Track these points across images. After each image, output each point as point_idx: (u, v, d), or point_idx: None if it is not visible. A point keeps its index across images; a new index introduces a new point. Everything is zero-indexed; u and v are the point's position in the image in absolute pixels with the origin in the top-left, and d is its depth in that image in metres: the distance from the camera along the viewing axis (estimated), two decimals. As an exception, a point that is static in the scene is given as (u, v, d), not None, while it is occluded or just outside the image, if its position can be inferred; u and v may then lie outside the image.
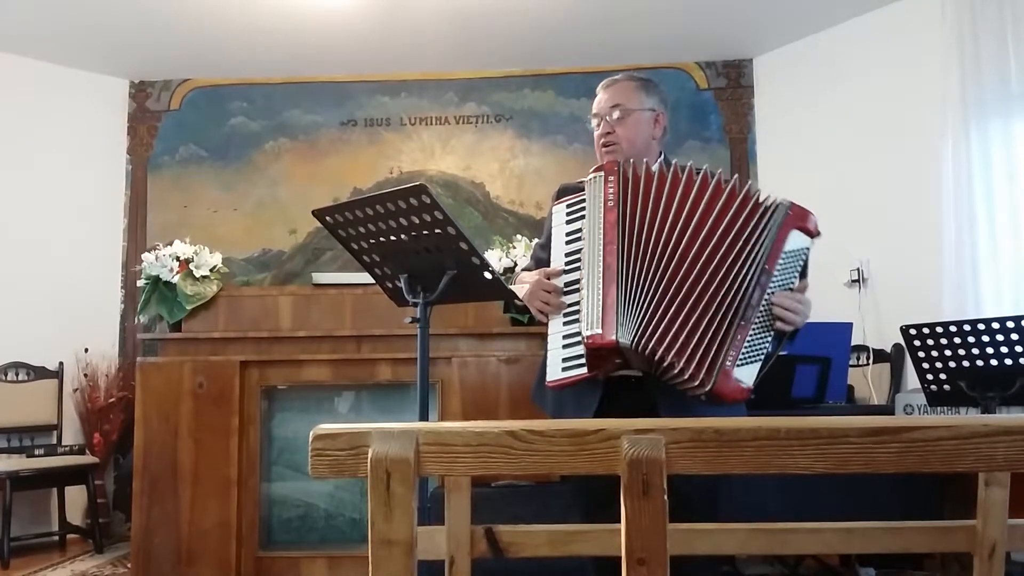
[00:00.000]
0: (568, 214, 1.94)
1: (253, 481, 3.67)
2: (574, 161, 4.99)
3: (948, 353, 2.61)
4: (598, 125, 2.10)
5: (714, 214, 1.77)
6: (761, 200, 1.79)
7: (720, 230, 1.76)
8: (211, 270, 3.83)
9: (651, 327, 1.72)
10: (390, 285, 2.11)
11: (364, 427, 0.81)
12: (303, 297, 3.87)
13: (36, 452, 4.31)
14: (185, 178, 5.20)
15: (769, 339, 1.76)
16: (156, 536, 3.52)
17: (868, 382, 3.93)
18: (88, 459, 4.43)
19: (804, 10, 4.44)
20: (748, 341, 1.73)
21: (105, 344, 4.90)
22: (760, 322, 1.75)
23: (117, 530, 4.67)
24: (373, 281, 2.14)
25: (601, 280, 1.76)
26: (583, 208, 1.87)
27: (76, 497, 4.52)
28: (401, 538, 0.79)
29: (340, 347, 3.70)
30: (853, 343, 3.65)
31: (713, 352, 1.71)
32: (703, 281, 1.74)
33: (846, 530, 1.28)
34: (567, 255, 1.90)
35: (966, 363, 2.58)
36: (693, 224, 1.77)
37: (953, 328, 2.59)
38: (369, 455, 0.79)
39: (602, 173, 1.86)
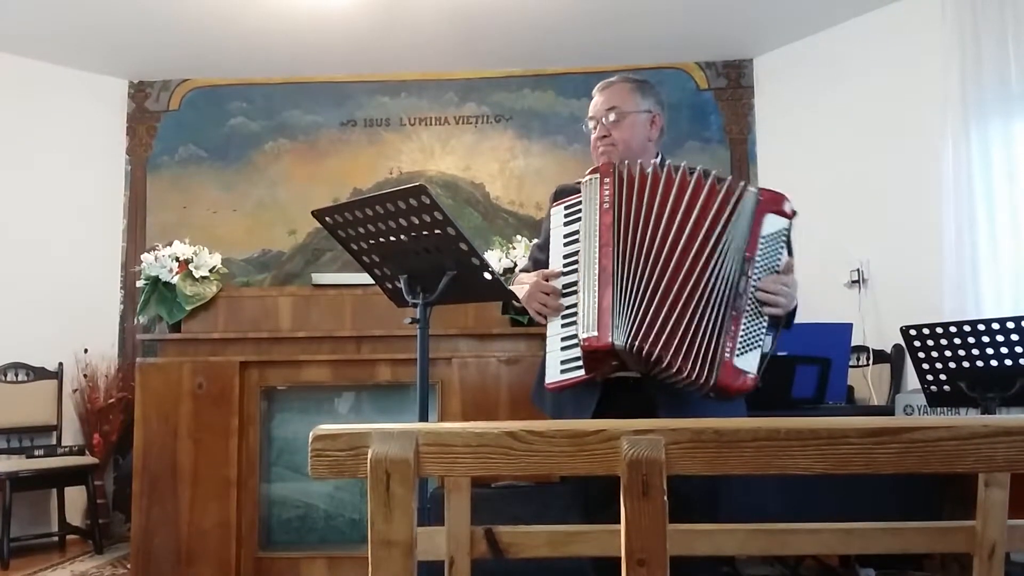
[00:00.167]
0: (565, 216, 1.94)
1: (253, 482, 3.67)
2: (574, 162, 4.99)
3: (948, 354, 2.61)
4: (594, 128, 2.11)
5: (696, 211, 1.78)
6: (730, 190, 1.79)
7: (701, 225, 1.77)
8: (211, 271, 3.82)
9: (644, 328, 1.73)
10: (390, 286, 2.11)
11: (364, 428, 0.81)
12: (303, 298, 3.87)
13: (36, 453, 4.31)
14: (184, 178, 5.20)
15: (765, 326, 1.76)
16: (156, 537, 3.52)
17: (868, 383, 3.93)
18: (88, 460, 4.43)
19: (804, 10, 4.44)
20: (744, 330, 1.73)
21: (105, 345, 4.90)
22: (752, 310, 1.75)
23: (117, 531, 4.67)
24: (373, 282, 2.14)
25: (597, 282, 1.77)
26: (580, 210, 1.88)
27: (76, 498, 4.52)
28: (401, 539, 0.79)
29: (340, 348, 3.70)
30: (853, 344, 3.65)
31: (709, 346, 1.72)
32: (692, 278, 1.75)
33: (846, 531, 1.28)
34: (565, 257, 1.91)
35: (966, 364, 2.58)
36: (677, 222, 1.78)
37: (953, 329, 2.59)
38: (369, 456, 0.79)
39: (598, 175, 1.87)
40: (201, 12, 4.33)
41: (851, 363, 3.76)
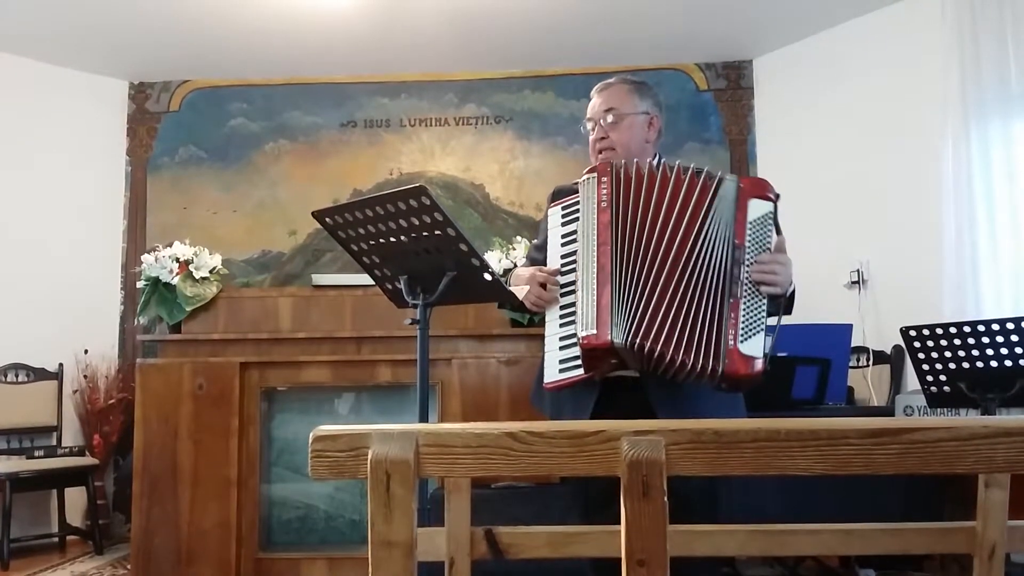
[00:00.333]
0: (563, 216, 1.95)
1: (253, 482, 3.67)
2: (574, 162, 4.99)
3: (948, 354, 2.61)
4: (592, 129, 2.11)
5: (678, 205, 1.80)
6: (708, 180, 1.81)
7: (683, 219, 1.79)
8: (211, 271, 3.82)
9: (643, 325, 1.73)
10: (390, 286, 2.11)
11: (364, 428, 0.81)
12: (303, 298, 3.87)
13: (36, 453, 4.31)
14: (185, 179, 5.20)
15: (764, 308, 1.77)
16: (156, 537, 3.52)
17: (868, 383, 3.93)
18: (88, 460, 4.43)
19: (804, 10, 4.44)
20: (744, 315, 1.74)
21: (105, 345, 4.90)
22: (750, 294, 1.76)
23: (117, 531, 4.67)
24: (373, 282, 2.14)
25: (595, 281, 1.77)
26: (578, 210, 1.88)
27: (76, 498, 4.52)
28: (401, 539, 0.79)
29: (340, 348, 3.70)
30: (853, 344, 3.65)
31: (711, 336, 1.73)
32: (681, 271, 1.76)
33: (846, 531, 1.28)
34: (563, 256, 1.92)
35: (966, 364, 2.58)
36: (662, 218, 1.80)
37: (953, 329, 2.59)
38: (369, 456, 0.79)
39: (595, 174, 1.88)
40: (201, 13, 4.33)
41: (851, 364, 3.76)
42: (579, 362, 1.79)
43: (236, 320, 3.81)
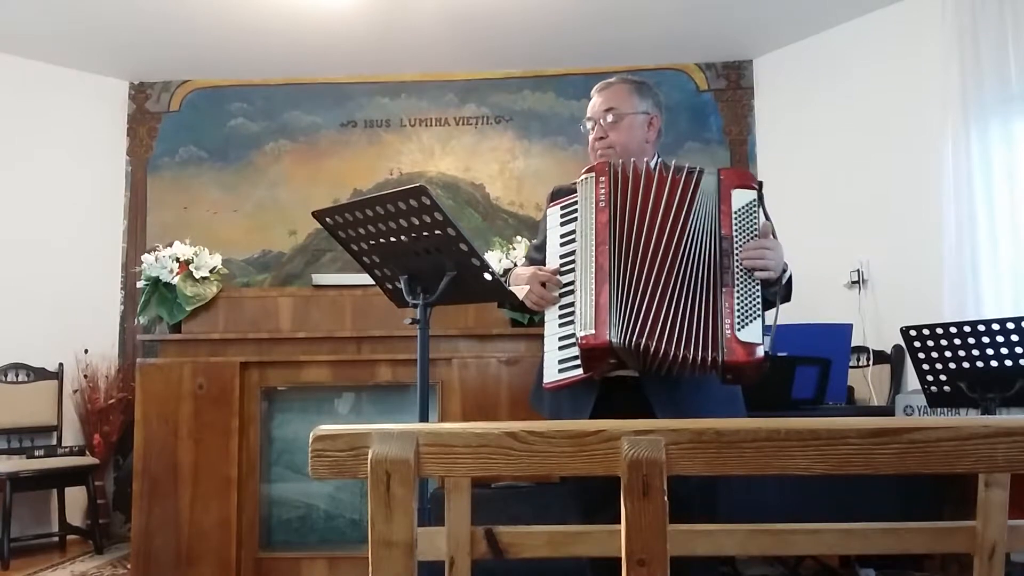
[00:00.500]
0: (562, 216, 1.95)
1: (253, 482, 3.67)
2: (574, 162, 4.98)
3: (948, 354, 2.61)
4: (592, 128, 2.11)
5: (663, 202, 1.81)
6: (689, 176, 1.83)
7: (668, 215, 1.80)
8: (211, 271, 3.82)
9: (640, 323, 1.74)
10: (390, 286, 2.11)
11: (364, 428, 0.81)
12: (303, 298, 3.87)
13: (36, 453, 4.31)
14: (185, 179, 5.20)
15: (759, 294, 1.78)
16: (156, 537, 3.52)
17: (868, 383, 3.93)
18: (88, 460, 4.43)
19: (804, 11, 4.44)
20: (739, 303, 1.75)
21: (105, 345, 4.90)
22: (743, 282, 1.77)
23: (117, 531, 4.68)
24: (373, 282, 2.14)
25: (594, 280, 1.78)
26: (576, 209, 1.89)
27: (76, 498, 4.52)
28: (401, 539, 0.79)
29: (340, 348, 3.70)
30: (853, 344, 3.65)
31: (707, 327, 1.74)
32: (676, 268, 1.77)
33: (846, 531, 1.28)
34: (562, 256, 1.92)
35: (966, 364, 2.58)
36: (650, 216, 1.81)
37: (953, 329, 2.59)
38: (369, 456, 0.79)
39: (593, 174, 1.88)
40: (201, 13, 4.33)
41: (851, 364, 3.76)
42: (578, 362, 1.80)
43: (236, 320, 3.81)
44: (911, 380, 3.57)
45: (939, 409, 2.79)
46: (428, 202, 1.83)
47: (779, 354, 3.04)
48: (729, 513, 1.98)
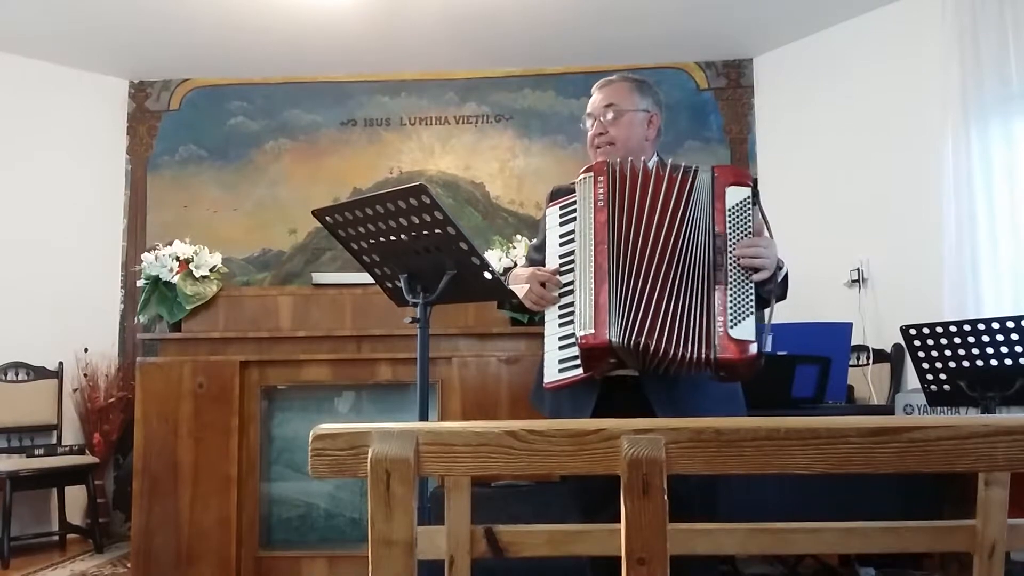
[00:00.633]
0: (561, 216, 1.95)
1: (253, 481, 3.67)
2: (574, 161, 4.98)
3: (948, 353, 2.61)
4: (592, 125, 2.11)
5: (660, 201, 1.82)
6: (685, 175, 1.83)
7: (666, 214, 1.81)
8: (211, 270, 3.82)
9: (638, 322, 1.75)
10: (390, 285, 2.11)
11: (364, 427, 0.81)
12: (303, 297, 3.87)
13: (36, 452, 4.31)
14: (185, 178, 5.20)
15: (752, 292, 1.78)
16: (156, 536, 3.52)
17: (868, 382, 3.93)
18: (88, 459, 4.43)
19: (804, 10, 4.44)
20: (732, 300, 1.75)
21: (105, 344, 4.90)
22: (736, 279, 1.77)
23: (117, 530, 4.68)
24: (373, 281, 2.14)
25: (593, 280, 1.78)
26: (575, 209, 1.89)
27: (76, 497, 4.52)
28: (401, 538, 0.79)
29: (340, 347, 3.70)
30: (853, 343, 3.65)
31: (700, 324, 1.74)
32: (667, 265, 1.78)
33: (846, 530, 1.28)
34: (561, 256, 1.92)
35: (966, 363, 2.58)
36: (646, 215, 1.81)
37: (953, 328, 2.59)
38: (369, 455, 0.79)
39: (592, 173, 1.88)
40: (201, 12, 4.33)
41: (851, 362, 3.76)
42: (578, 362, 1.80)
43: (236, 319, 3.81)
44: (911, 379, 3.57)
45: (939, 408, 2.79)
46: (428, 201, 1.83)
47: (779, 353, 3.05)
48: (729, 512, 1.98)
